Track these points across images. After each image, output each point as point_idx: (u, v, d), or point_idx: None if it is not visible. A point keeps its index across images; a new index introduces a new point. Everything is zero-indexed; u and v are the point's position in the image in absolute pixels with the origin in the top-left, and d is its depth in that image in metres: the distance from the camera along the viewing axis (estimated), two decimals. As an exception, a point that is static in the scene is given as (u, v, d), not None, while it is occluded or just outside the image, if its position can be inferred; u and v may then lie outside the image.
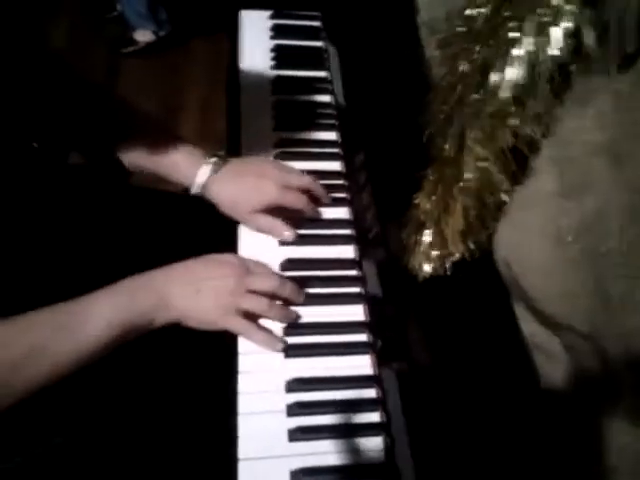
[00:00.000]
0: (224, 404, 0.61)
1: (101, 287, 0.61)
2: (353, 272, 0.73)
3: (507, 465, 0.49)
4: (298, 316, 0.68)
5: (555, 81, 0.34)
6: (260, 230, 0.74)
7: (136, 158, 0.75)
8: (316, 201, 0.77)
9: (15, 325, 0.57)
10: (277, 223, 0.73)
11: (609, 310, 0.31)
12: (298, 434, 0.60)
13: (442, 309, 0.54)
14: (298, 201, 0.73)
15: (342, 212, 0.79)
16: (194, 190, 0.74)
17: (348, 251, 0.75)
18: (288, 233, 0.73)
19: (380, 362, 0.65)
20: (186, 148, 0.75)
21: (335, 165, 0.85)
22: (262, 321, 0.67)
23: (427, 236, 0.46)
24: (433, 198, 0.44)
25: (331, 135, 0.88)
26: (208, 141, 1.86)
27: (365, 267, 0.73)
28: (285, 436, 0.60)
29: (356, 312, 0.70)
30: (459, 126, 0.39)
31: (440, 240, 0.45)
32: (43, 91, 0.64)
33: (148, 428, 0.69)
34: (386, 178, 0.69)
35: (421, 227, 0.46)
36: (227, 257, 0.69)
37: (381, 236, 0.68)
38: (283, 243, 0.75)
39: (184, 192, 0.77)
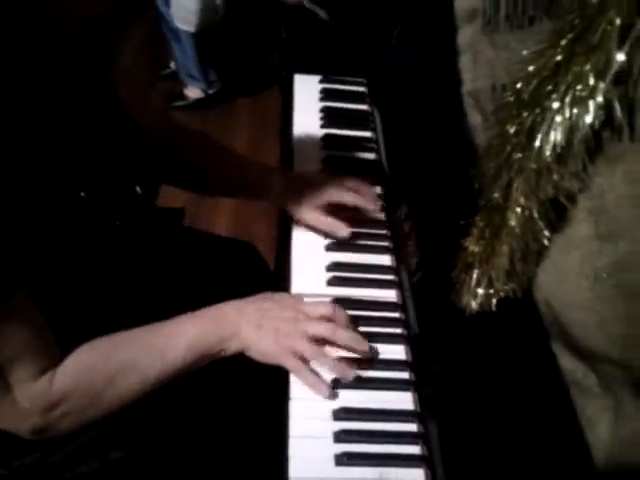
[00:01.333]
0: (275, 427, 0.66)
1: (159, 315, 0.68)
2: (396, 314, 0.79)
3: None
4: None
5: (590, 144, 0.41)
6: (321, 228, 0.84)
7: (226, 178, 0.90)
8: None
9: (114, 342, 0.63)
10: (336, 222, 0.83)
11: (635, 332, 0.36)
12: (344, 459, 0.64)
13: (484, 347, 0.59)
14: (357, 199, 0.84)
15: (385, 259, 0.86)
16: (271, 192, 0.87)
17: (391, 294, 0.81)
18: (346, 231, 0.83)
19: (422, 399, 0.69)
20: (259, 163, 0.92)
21: (379, 215, 0.92)
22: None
23: (475, 275, 0.52)
24: (481, 242, 0.50)
25: (376, 188, 0.96)
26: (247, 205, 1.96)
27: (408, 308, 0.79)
28: (332, 460, 0.64)
29: (399, 351, 0.75)
30: (507, 179, 0.46)
31: (487, 279, 0.51)
32: (107, 144, 0.70)
33: (202, 446, 0.74)
34: (429, 227, 0.76)
35: (469, 267, 0.52)
36: (288, 299, 0.74)
37: (425, 279, 0.73)
38: (330, 283, 0.82)
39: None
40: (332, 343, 0.71)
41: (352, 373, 0.70)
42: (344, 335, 0.71)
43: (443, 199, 0.74)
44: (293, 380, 0.70)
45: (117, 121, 0.73)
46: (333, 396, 0.69)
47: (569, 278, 0.44)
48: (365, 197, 0.87)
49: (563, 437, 0.54)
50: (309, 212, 0.84)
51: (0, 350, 0.58)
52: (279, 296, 0.74)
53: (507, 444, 0.60)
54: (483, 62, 0.66)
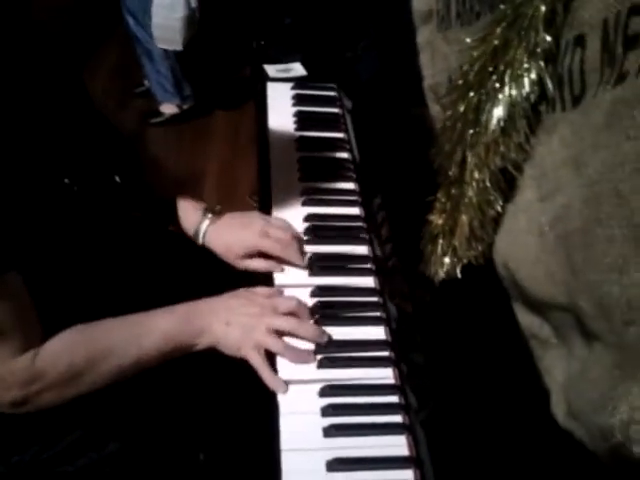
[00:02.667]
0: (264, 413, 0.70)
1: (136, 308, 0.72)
2: (375, 299, 0.84)
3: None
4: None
5: (529, 117, 0.47)
6: (254, 271, 0.85)
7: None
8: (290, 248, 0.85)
9: (95, 328, 0.68)
10: (266, 263, 0.84)
11: (578, 275, 0.41)
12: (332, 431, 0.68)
13: (454, 313, 0.64)
14: (274, 247, 0.83)
15: (362, 249, 0.91)
16: (199, 240, 0.87)
17: (369, 281, 0.87)
18: (279, 269, 0.84)
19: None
20: (192, 204, 0.89)
21: (355, 210, 0.97)
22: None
23: (440, 246, 0.57)
24: (443, 215, 0.56)
25: (350, 184, 1.01)
26: (229, 202, 2.01)
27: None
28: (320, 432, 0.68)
29: (379, 332, 0.80)
30: (461, 154, 0.51)
31: (451, 249, 0.56)
32: (82, 137, 0.76)
33: (195, 436, 0.77)
34: (402, 214, 0.81)
35: (435, 239, 0.57)
36: (258, 294, 0.78)
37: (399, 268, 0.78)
38: (311, 274, 0.86)
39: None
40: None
41: (313, 360, 0.75)
42: (307, 328, 0.76)
43: (411, 185, 0.79)
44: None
45: (91, 115, 0.78)
46: (319, 373, 0.74)
47: (519, 239, 0.49)
48: (287, 244, 0.85)
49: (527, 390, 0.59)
50: (234, 260, 0.85)
51: None
52: (248, 292, 0.78)
53: (478, 402, 0.65)
54: (440, 57, 0.72)
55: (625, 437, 0.31)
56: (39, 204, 0.65)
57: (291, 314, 0.76)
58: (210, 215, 0.88)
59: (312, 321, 0.78)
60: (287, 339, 0.76)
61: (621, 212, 0.36)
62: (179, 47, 2.02)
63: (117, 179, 0.79)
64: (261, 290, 0.79)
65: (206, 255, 0.93)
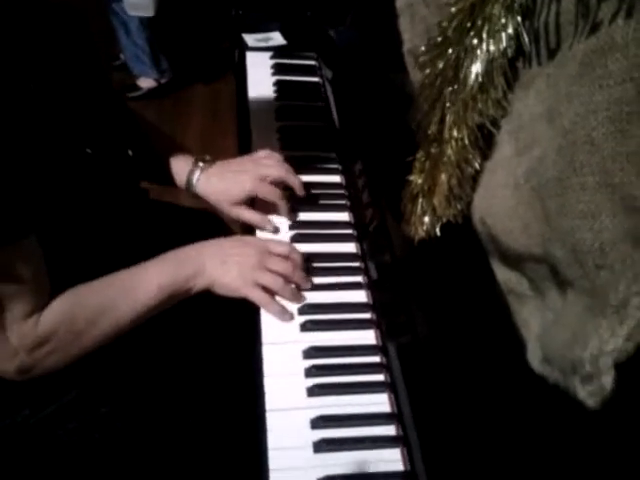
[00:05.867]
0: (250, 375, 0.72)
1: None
2: (356, 264, 0.85)
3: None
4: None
5: (506, 73, 0.47)
6: (245, 222, 0.85)
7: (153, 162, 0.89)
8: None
9: (93, 287, 0.68)
10: (259, 216, 0.83)
11: (552, 224, 0.42)
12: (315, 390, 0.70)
13: (434, 270, 0.65)
14: (272, 193, 0.83)
15: (343, 216, 0.92)
16: (192, 189, 0.87)
17: (350, 247, 0.88)
18: (269, 225, 0.84)
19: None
20: (182, 156, 0.89)
21: (335, 178, 0.98)
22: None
23: (420, 205, 0.58)
24: (423, 174, 0.56)
25: (330, 153, 1.02)
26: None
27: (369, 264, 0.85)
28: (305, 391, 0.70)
29: (361, 295, 0.82)
30: (440, 112, 0.52)
31: (431, 208, 0.57)
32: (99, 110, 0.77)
33: (184, 401, 0.79)
34: (383, 178, 0.82)
35: (415, 198, 0.58)
36: (251, 239, 0.81)
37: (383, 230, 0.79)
38: (294, 240, 0.87)
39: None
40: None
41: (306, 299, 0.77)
42: (300, 275, 0.77)
43: (392, 150, 0.80)
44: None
45: (107, 89, 0.78)
46: (303, 335, 0.75)
47: (496, 193, 0.50)
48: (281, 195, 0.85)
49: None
50: (229, 208, 0.84)
51: (3, 287, 0.61)
52: (242, 237, 0.80)
53: (455, 360, 0.67)
54: (419, 20, 0.72)
55: (595, 368, 0.32)
56: (59, 171, 0.66)
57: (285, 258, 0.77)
58: (201, 164, 0.87)
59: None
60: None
61: (593, 159, 0.37)
62: (151, 13, 1.96)
63: (130, 152, 0.79)
64: (250, 237, 0.80)
65: (200, 226, 0.94)
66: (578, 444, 0.51)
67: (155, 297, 0.70)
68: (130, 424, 0.77)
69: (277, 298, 0.77)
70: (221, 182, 0.85)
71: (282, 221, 0.89)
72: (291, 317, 0.76)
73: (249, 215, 0.84)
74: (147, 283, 0.70)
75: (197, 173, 0.86)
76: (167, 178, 0.89)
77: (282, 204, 0.85)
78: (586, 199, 0.38)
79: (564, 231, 0.40)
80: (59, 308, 0.66)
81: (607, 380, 0.31)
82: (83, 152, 0.72)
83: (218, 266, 0.73)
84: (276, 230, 0.86)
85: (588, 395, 0.33)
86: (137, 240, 0.88)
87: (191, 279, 0.72)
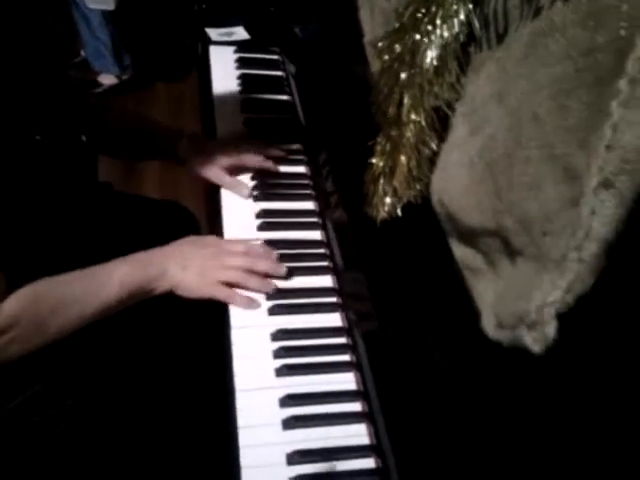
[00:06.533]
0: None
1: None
2: (322, 250, 0.88)
3: None
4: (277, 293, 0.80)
5: (460, 58, 0.50)
6: (225, 186, 0.91)
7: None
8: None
9: (55, 280, 0.68)
10: (237, 181, 0.91)
11: (502, 198, 0.45)
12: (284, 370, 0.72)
13: (396, 250, 0.68)
14: (258, 161, 0.92)
15: (309, 205, 0.94)
16: (180, 153, 0.93)
17: (316, 234, 0.90)
18: (246, 190, 0.90)
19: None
20: (168, 127, 0.97)
21: (301, 168, 1.00)
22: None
23: (381, 186, 0.60)
24: (384, 156, 0.59)
25: (295, 144, 1.04)
26: (175, 173, 1.98)
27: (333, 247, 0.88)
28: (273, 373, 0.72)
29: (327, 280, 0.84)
30: (398, 96, 0.55)
31: (392, 189, 0.60)
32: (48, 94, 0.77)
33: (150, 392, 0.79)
34: (346, 164, 0.85)
35: (376, 180, 0.61)
36: (211, 239, 0.83)
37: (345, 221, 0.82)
38: (260, 229, 0.89)
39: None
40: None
41: (274, 286, 0.80)
42: (262, 263, 0.79)
43: (355, 138, 0.83)
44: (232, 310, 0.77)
45: (60, 73, 0.79)
46: (270, 319, 0.77)
47: (452, 172, 0.53)
48: (267, 160, 0.94)
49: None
50: (212, 171, 0.90)
51: None
52: (201, 238, 0.82)
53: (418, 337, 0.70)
54: (378, 12, 0.75)
55: (539, 317, 0.35)
56: (6, 158, 0.66)
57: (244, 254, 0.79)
58: (189, 134, 0.94)
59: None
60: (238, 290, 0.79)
61: (538, 134, 0.40)
62: (111, 7, 1.94)
63: (83, 138, 0.80)
64: (211, 237, 0.82)
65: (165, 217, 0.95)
66: (532, 407, 0.54)
67: (117, 296, 0.71)
68: (98, 413, 0.77)
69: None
70: (210, 148, 0.91)
71: (249, 210, 0.91)
72: (259, 305, 0.78)
73: (230, 182, 0.90)
74: (109, 281, 0.71)
75: (185, 141, 0.94)
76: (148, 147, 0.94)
77: (265, 166, 0.93)
78: (531, 171, 0.41)
79: (513, 203, 0.43)
80: (21, 298, 0.67)
81: (550, 329, 0.35)
82: (32, 139, 0.72)
83: (179, 270, 0.75)
84: (249, 196, 0.91)
85: (533, 341, 0.36)
86: (101, 232, 0.89)
87: (153, 281, 0.74)
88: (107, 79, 2.27)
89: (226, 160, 0.90)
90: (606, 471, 0.51)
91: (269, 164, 0.94)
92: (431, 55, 0.50)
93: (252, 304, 0.77)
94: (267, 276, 0.80)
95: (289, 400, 0.69)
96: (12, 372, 0.71)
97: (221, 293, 0.76)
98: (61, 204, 0.77)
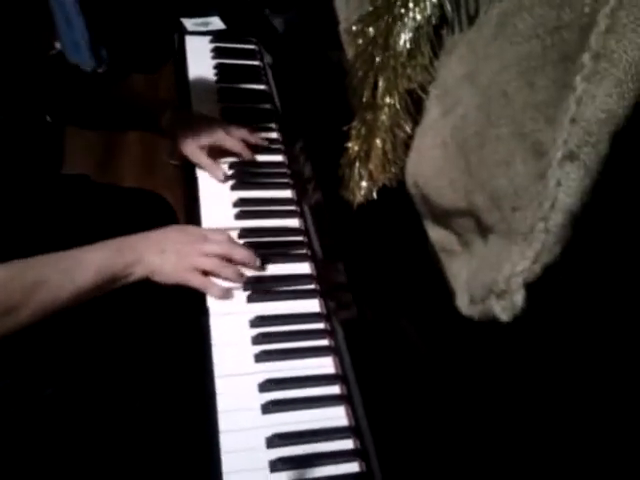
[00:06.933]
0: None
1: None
2: (300, 238, 0.88)
3: None
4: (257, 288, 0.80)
5: (432, 41, 0.51)
6: (201, 166, 0.92)
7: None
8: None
9: (28, 263, 0.67)
10: (213, 164, 0.91)
11: (473, 176, 0.46)
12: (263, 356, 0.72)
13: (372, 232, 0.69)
14: (236, 146, 0.93)
15: (287, 193, 0.95)
16: (162, 122, 0.94)
17: (294, 222, 0.90)
18: (221, 175, 0.91)
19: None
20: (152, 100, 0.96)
21: (278, 157, 1.00)
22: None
23: (357, 170, 0.61)
24: (359, 140, 0.60)
25: (273, 133, 1.04)
26: (151, 166, 1.97)
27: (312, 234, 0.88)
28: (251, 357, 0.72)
29: (304, 268, 0.85)
30: (372, 80, 0.55)
31: (367, 173, 0.60)
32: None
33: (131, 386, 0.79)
34: (322, 151, 0.85)
35: (352, 164, 0.61)
36: (190, 228, 0.83)
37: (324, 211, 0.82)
38: (238, 217, 0.89)
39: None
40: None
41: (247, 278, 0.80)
42: (240, 251, 0.80)
43: (332, 125, 0.83)
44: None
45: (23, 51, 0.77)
46: (249, 306, 0.77)
47: (426, 154, 0.54)
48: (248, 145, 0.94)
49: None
50: (192, 148, 0.91)
51: None
52: (183, 227, 0.82)
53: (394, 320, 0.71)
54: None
55: (508, 286, 0.36)
56: None
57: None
58: (175, 107, 0.95)
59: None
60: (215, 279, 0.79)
61: (507, 111, 0.41)
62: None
63: (48, 118, 0.79)
64: (193, 226, 0.82)
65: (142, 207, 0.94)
66: (502, 385, 0.55)
67: (92, 280, 0.70)
68: (77, 401, 0.77)
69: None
70: (194, 124, 0.92)
71: (226, 199, 0.91)
72: (232, 296, 0.78)
73: (206, 162, 0.91)
74: (85, 265, 0.70)
75: (169, 112, 0.94)
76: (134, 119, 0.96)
77: (245, 154, 0.94)
78: (502, 149, 0.42)
79: (484, 181, 0.44)
80: None
81: (518, 298, 0.36)
82: None
83: (157, 256, 0.75)
84: (225, 180, 0.92)
85: (502, 310, 0.37)
86: (77, 222, 0.88)
87: (129, 267, 0.73)
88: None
89: (208, 138, 0.90)
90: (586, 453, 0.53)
91: (248, 152, 0.94)
92: (404, 38, 0.51)
93: (226, 294, 0.77)
94: (244, 265, 0.81)
95: (268, 385, 0.70)
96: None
97: (196, 280, 0.76)
98: (25, 187, 0.76)
